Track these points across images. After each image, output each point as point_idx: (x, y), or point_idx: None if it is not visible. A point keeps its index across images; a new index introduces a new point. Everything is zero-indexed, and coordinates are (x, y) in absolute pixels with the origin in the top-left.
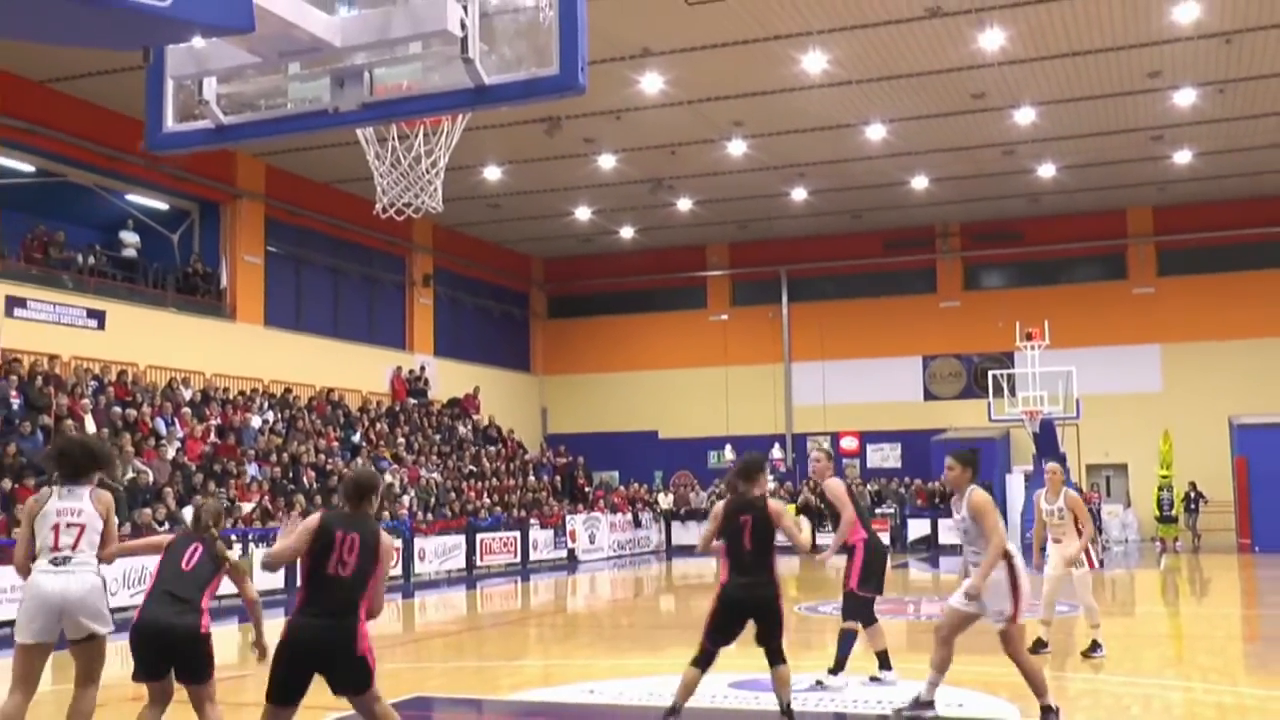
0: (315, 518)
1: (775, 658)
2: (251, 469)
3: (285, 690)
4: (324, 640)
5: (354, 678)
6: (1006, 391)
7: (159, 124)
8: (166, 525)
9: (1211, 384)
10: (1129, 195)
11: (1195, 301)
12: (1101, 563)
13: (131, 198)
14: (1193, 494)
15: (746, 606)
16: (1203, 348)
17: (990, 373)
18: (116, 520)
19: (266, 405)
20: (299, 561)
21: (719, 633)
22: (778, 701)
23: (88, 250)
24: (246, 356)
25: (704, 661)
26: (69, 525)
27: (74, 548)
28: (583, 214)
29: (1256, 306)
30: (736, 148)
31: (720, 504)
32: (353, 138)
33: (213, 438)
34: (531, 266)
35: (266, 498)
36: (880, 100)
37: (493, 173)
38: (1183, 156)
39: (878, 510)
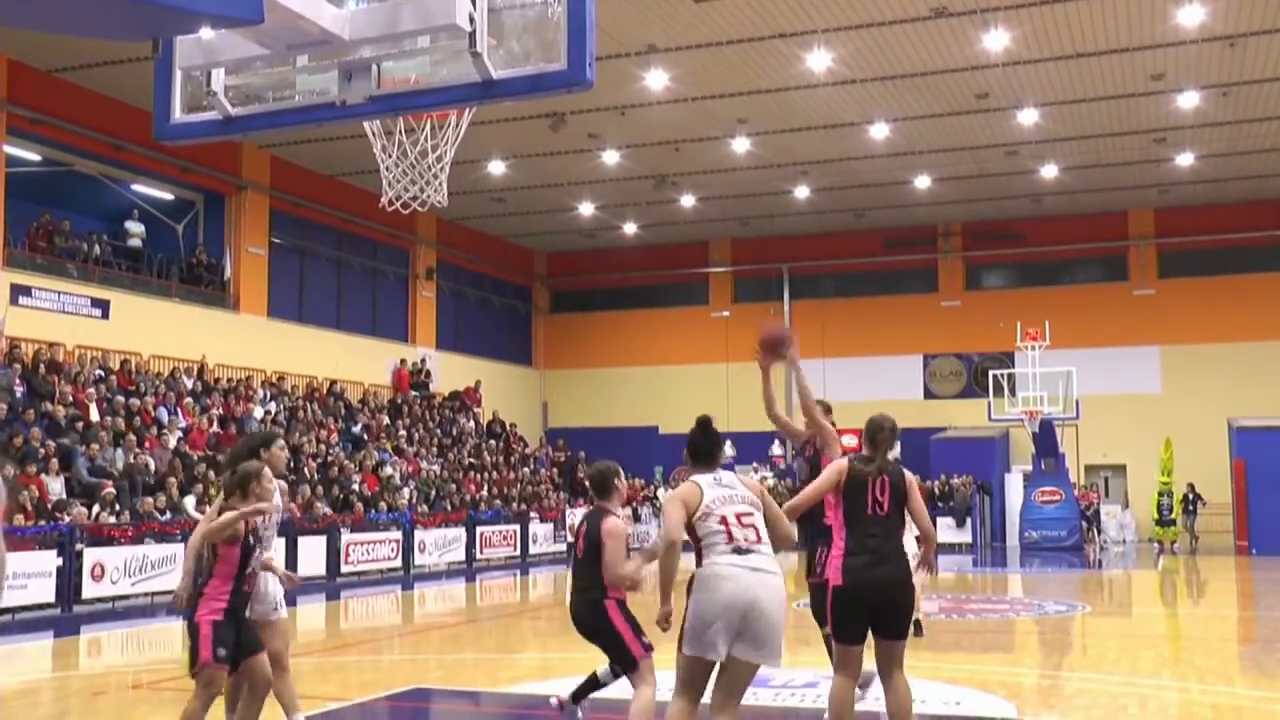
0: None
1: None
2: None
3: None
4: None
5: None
6: (1007, 391)
7: (167, 115)
8: (168, 514)
9: (1211, 386)
10: (1131, 197)
11: (1195, 303)
12: (1100, 563)
13: (137, 188)
14: (1191, 496)
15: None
16: (1202, 350)
17: (990, 372)
18: None
19: (269, 396)
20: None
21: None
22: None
23: (93, 239)
24: (249, 347)
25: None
26: None
27: None
28: (586, 209)
29: (1256, 309)
30: (740, 145)
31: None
32: (359, 130)
33: (215, 428)
34: (534, 261)
35: None
36: (884, 99)
37: (497, 167)
38: (1185, 159)
39: None
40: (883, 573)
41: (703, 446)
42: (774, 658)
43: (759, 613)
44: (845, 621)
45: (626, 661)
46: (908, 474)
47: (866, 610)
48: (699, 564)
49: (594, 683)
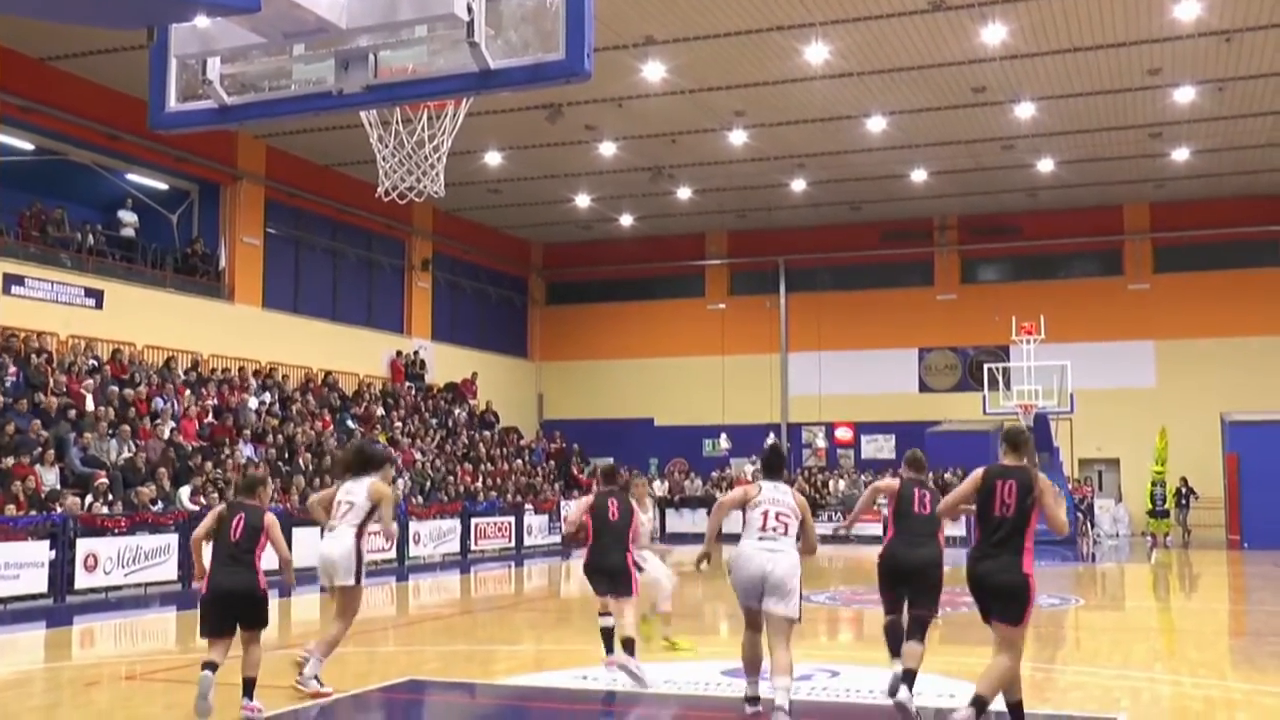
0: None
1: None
2: (247, 450)
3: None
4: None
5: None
6: (1001, 385)
7: (162, 103)
8: (160, 504)
9: (1204, 381)
10: (1126, 191)
11: (1190, 299)
12: (1093, 556)
13: (131, 177)
14: (1184, 490)
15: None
16: (1197, 345)
17: (985, 366)
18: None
19: (263, 386)
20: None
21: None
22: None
23: (86, 229)
24: (244, 338)
25: None
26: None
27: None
28: (583, 201)
29: (1251, 305)
30: (737, 137)
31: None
32: (355, 120)
33: (209, 418)
34: (531, 252)
35: None
36: (881, 92)
37: (493, 158)
38: (1180, 154)
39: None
40: (992, 562)
41: (773, 463)
42: (787, 609)
43: (771, 579)
44: (980, 605)
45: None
46: (1041, 478)
47: (982, 597)
48: (738, 544)
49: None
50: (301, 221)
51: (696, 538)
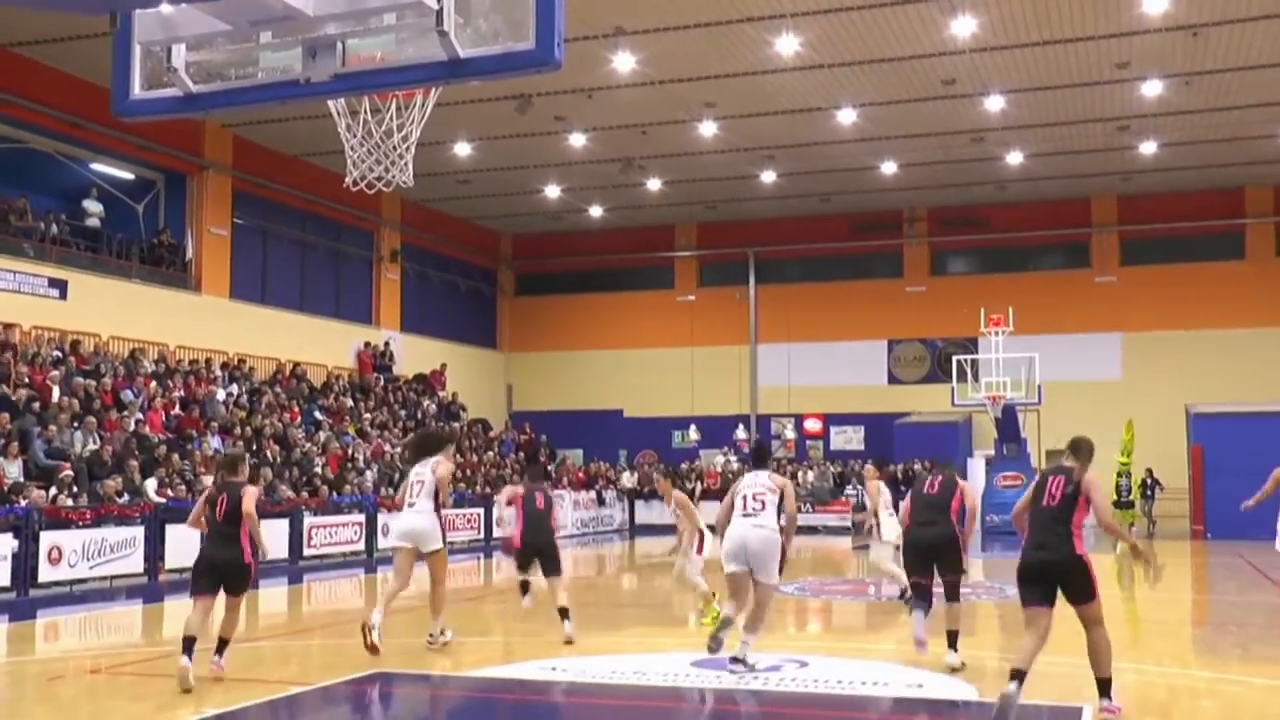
0: None
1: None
2: (215, 441)
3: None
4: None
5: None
6: (970, 377)
7: (126, 91)
8: (126, 497)
9: (1170, 373)
10: (1094, 185)
11: (1156, 291)
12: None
13: (96, 166)
14: (1149, 480)
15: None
16: (1162, 337)
17: (954, 358)
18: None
19: (230, 378)
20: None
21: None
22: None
23: (50, 219)
24: (211, 329)
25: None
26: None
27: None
28: (552, 192)
29: (1216, 298)
30: (707, 129)
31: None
32: (323, 110)
33: (176, 410)
34: (500, 243)
35: None
36: (851, 84)
37: (463, 149)
38: (1148, 147)
39: (840, 492)
40: (1045, 550)
41: (758, 455)
42: (765, 575)
43: (750, 549)
44: (1023, 591)
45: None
46: (1088, 476)
47: (1039, 581)
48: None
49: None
50: (269, 212)
51: (668, 529)
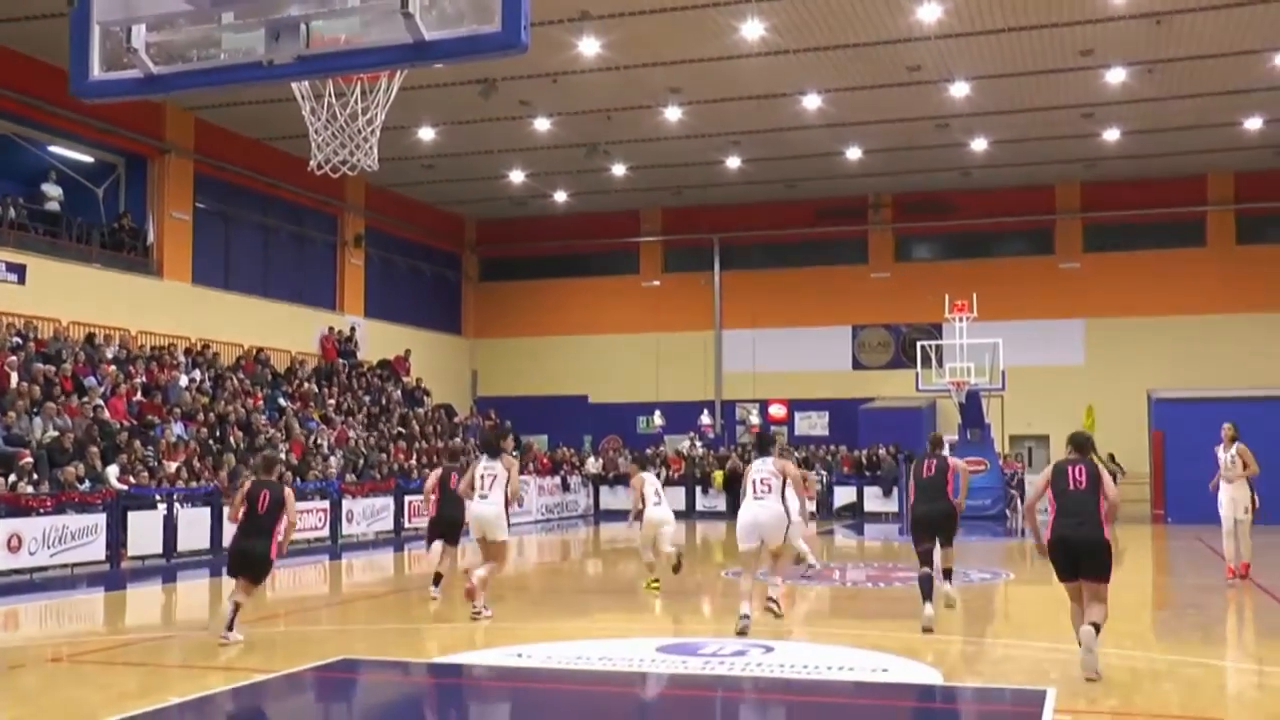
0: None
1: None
2: (177, 428)
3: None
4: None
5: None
6: (934, 362)
7: (84, 71)
8: (87, 484)
9: (1132, 359)
10: (1058, 171)
11: (1119, 278)
12: (1022, 531)
13: (55, 149)
14: (1110, 466)
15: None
16: (1125, 323)
17: (919, 343)
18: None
19: (193, 364)
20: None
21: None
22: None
23: (8, 202)
24: (173, 314)
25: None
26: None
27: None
28: (517, 177)
29: (1177, 284)
30: (672, 114)
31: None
32: (287, 93)
33: (138, 396)
34: (464, 228)
35: (194, 458)
36: (817, 70)
37: (427, 133)
38: (1111, 134)
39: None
40: (1080, 533)
41: (761, 443)
42: (774, 542)
43: (760, 524)
44: (1058, 564)
45: None
46: (1101, 465)
47: (1071, 556)
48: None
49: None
50: (232, 196)
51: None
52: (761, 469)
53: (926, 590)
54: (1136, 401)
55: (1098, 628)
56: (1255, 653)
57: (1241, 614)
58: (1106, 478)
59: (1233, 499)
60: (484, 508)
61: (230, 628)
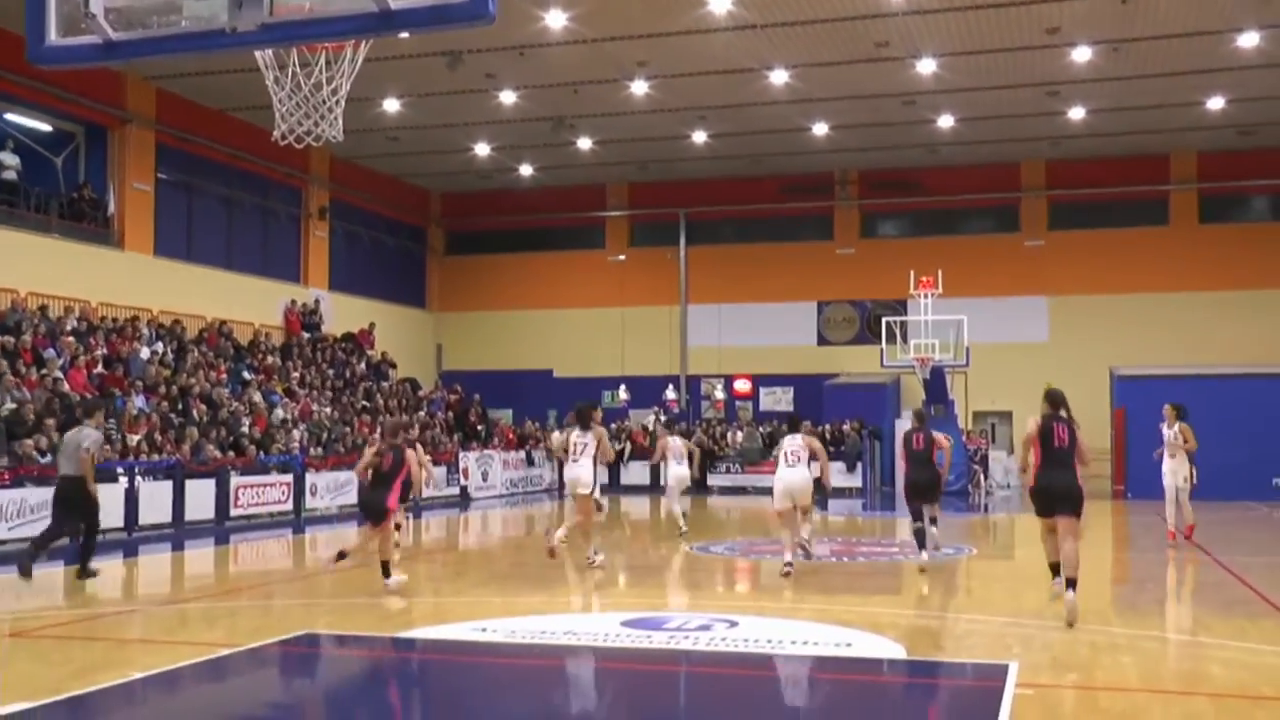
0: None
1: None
2: (139, 401)
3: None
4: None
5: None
6: (899, 338)
7: (41, 37)
8: (49, 457)
9: (1095, 336)
10: (1023, 149)
11: (1082, 255)
12: (986, 507)
13: (11, 117)
14: None
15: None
16: (1088, 301)
17: (883, 319)
18: None
19: (155, 336)
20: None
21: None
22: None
23: None
24: (135, 286)
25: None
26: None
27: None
28: (482, 150)
29: (1140, 262)
30: (639, 88)
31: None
32: (250, 63)
33: (99, 368)
34: (430, 201)
35: (156, 431)
36: (784, 45)
37: (392, 105)
38: (1076, 113)
39: (770, 453)
40: (1060, 480)
41: (792, 422)
42: (804, 502)
43: (793, 489)
44: (1039, 505)
45: None
46: (1075, 422)
47: (1051, 499)
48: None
49: None
50: (194, 167)
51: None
52: (792, 443)
53: (920, 540)
54: (1099, 378)
55: (1073, 583)
56: (1211, 626)
57: (1200, 588)
58: (1081, 435)
59: (1174, 471)
60: (576, 469)
61: (387, 575)
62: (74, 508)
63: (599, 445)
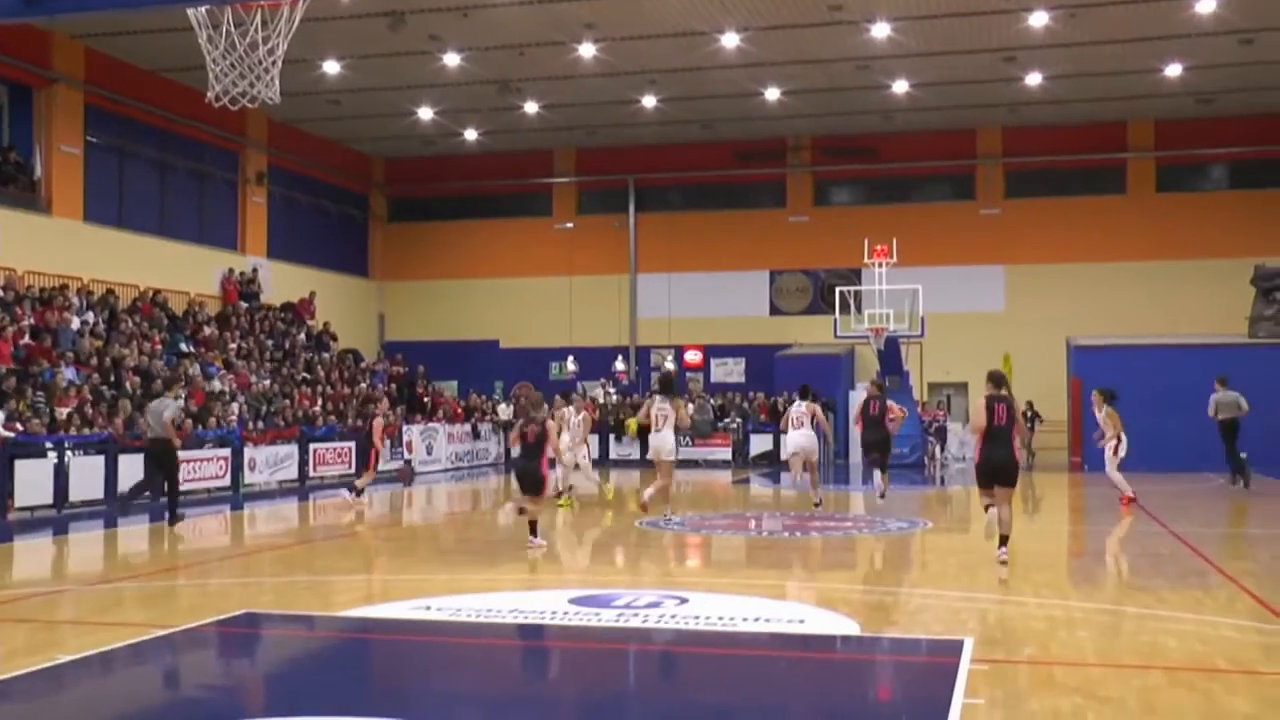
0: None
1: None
2: (69, 372)
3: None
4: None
5: None
6: (853, 308)
7: None
8: None
9: (1051, 305)
10: (980, 115)
11: (1039, 224)
12: (941, 480)
13: None
14: (1029, 413)
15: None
16: (1044, 270)
17: (837, 289)
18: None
19: (85, 306)
20: None
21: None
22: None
23: None
24: (64, 253)
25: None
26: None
27: None
28: (426, 114)
29: (1097, 231)
30: (587, 51)
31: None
32: (183, 21)
33: (25, 339)
34: (372, 167)
35: (88, 404)
36: (735, 7)
37: (332, 67)
38: (1033, 79)
39: (720, 425)
40: (997, 455)
41: (803, 392)
42: (811, 456)
43: (801, 444)
44: (981, 478)
45: None
46: (1015, 402)
47: (991, 473)
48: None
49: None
50: (126, 130)
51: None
52: (798, 409)
53: (876, 469)
54: (1055, 348)
55: (1005, 539)
56: (1166, 598)
57: (1156, 560)
58: (1017, 413)
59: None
60: (659, 439)
61: (534, 534)
62: (160, 465)
63: (679, 415)
